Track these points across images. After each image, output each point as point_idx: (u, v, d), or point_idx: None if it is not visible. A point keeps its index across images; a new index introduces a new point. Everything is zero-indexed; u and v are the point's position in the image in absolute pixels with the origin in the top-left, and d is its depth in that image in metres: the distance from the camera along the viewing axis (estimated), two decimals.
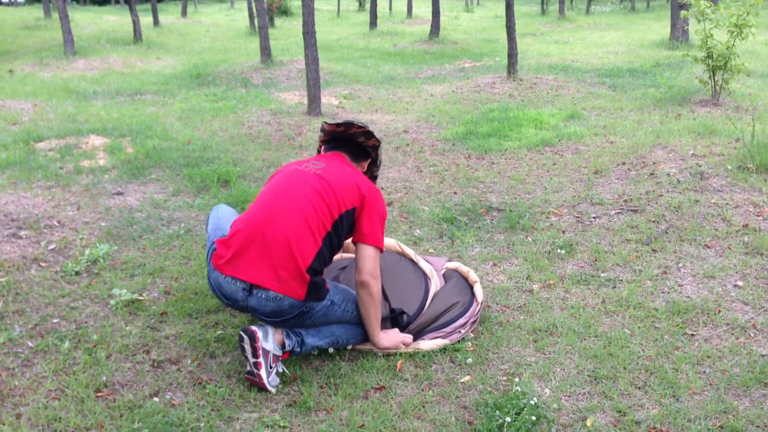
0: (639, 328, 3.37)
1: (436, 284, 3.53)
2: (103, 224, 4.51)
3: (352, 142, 3.28)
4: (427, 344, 3.19)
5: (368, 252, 3.01)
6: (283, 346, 2.96)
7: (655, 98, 8.21)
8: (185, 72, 11.21)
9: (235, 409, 2.77)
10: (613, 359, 3.10)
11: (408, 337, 3.18)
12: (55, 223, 4.43)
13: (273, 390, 2.89)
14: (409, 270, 3.58)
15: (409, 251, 3.75)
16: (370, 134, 3.22)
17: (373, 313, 3.06)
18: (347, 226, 3.03)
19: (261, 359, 2.85)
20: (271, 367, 2.91)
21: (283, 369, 2.99)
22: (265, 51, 11.62)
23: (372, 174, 3.42)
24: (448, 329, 3.26)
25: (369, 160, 3.34)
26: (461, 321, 3.31)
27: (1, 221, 4.30)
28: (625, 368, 3.04)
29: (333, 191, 2.99)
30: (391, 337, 3.15)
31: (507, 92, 9.07)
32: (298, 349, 3.00)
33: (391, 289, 3.39)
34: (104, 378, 2.93)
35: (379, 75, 11.24)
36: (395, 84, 10.23)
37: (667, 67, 10.58)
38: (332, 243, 2.99)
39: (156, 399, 2.81)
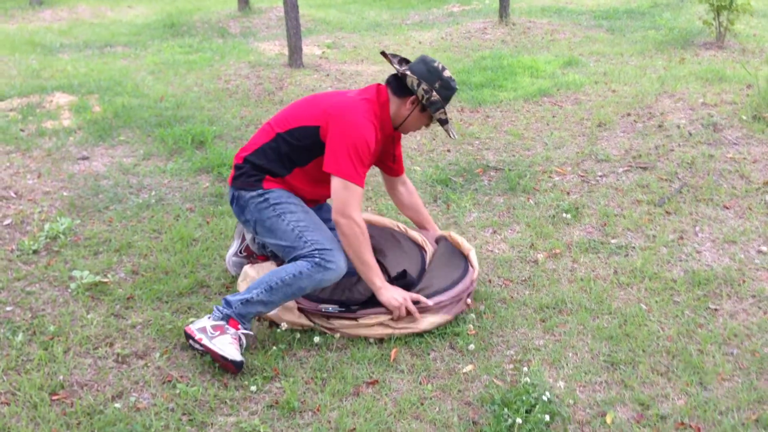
0: (656, 302, 3.05)
1: (430, 252, 3.20)
2: (65, 194, 4.11)
3: (396, 75, 2.94)
4: (425, 323, 2.85)
5: (333, 185, 2.74)
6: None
7: (656, 41, 7.79)
8: (158, 21, 10.63)
9: (209, 413, 2.44)
10: (630, 340, 2.80)
11: (417, 296, 2.85)
12: (12, 195, 4.03)
13: (230, 356, 2.59)
14: (401, 239, 3.24)
15: (398, 224, 3.40)
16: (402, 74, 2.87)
17: (357, 258, 2.76)
18: (306, 140, 2.84)
19: (197, 336, 2.67)
20: (212, 334, 2.65)
21: (245, 331, 2.70)
22: None
23: (434, 118, 2.93)
24: (446, 297, 2.90)
25: (413, 97, 2.88)
26: (460, 287, 2.96)
27: None
28: (644, 351, 2.74)
29: (301, 105, 2.93)
30: (394, 293, 2.81)
31: (499, 38, 8.61)
32: (228, 310, 2.70)
33: (386, 261, 3.06)
34: (61, 377, 2.59)
35: (363, 22, 10.71)
36: (381, 31, 9.72)
37: (666, 7, 10.11)
38: (281, 147, 2.87)
39: (119, 403, 2.47)
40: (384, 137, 2.95)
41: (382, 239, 3.21)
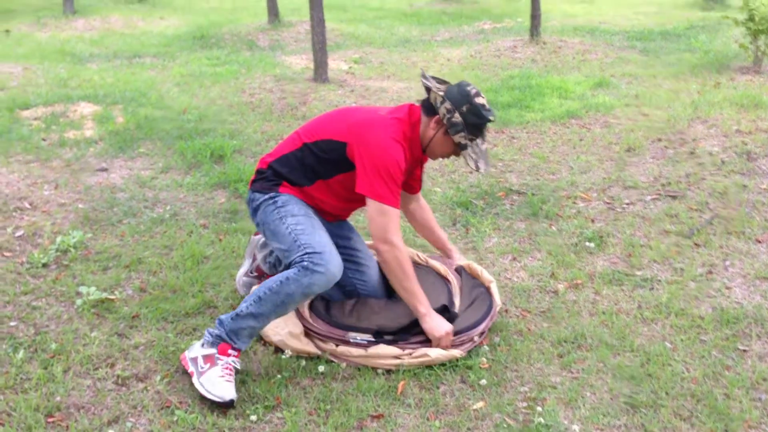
0: (682, 340, 2.90)
1: (454, 284, 3.07)
2: (80, 206, 4.07)
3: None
4: (436, 352, 2.74)
5: (369, 209, 2.67)
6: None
7: (691, 64, 7.61)
8: (188, 33, 10.66)
9: None
10: (652, 381, 2.65)
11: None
12: (27, 206, 4.00)
13: (218, 397, 2.47)
14: (424, 271, 3.12)
15: (418, 253, 3.30)
16: (427, 89, 2.77)
17: (399, 285, 2.72)
18: (333, 154, 2.74)
19: (189, 369, 2.59)
20: (202, 368, 2.54)
21: (232, 366, 2.57)
22: (273, 10, 11.04)
23: (456, 141, 2.73)
24: (465, 336, 2.80)
25: (437, 117, 2.73)
26: (483, 326, 2.85)
27: None
28: (667, 393, 2.59)
29: (331, 118, 2.85)
30: (440, 322, 2.74)
31: (529, 57, 8.48)
32: (219, 330, 2.60)
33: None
34: (58, 398, 2.51)
35: (393, 37, 10.65)
36: (409, 47, 9.65)
37: (702, 29, 9.91)
38: (306, 157, 2.78)
39: (113, 429, 2.38)
40: (413, 159, 2.82)
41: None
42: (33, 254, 3.48)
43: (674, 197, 4.17)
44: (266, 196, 2.78)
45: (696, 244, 3.64)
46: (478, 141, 2.74)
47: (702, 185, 4.24)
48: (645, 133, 5.26)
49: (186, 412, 2.46)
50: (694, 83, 6.76)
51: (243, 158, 4.89)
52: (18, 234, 3.68)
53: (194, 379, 2.54)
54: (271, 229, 2.75)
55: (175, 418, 2.44)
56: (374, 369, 2.72)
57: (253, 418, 2.44)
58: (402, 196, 3.11)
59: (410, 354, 2.72)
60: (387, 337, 2.75)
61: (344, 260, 2.92)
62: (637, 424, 2.44)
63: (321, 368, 2.70)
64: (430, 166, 4.82)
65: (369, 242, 3.33)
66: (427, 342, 2.75)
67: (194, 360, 2.58)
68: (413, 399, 2.56)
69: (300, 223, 2.69)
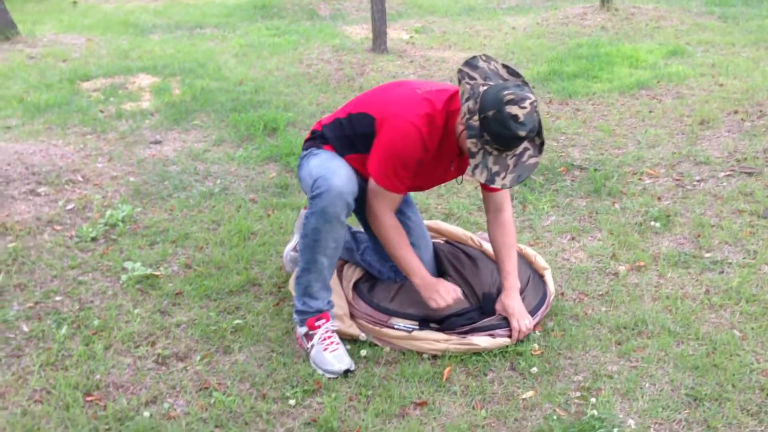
0: (752, 329, 2.69)
1: None
2: (132, 179, 4.05)
3: None
4: (485, 341, 2.60)
5: (369, 184, 2.57)
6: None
7: None
8: (249, 3, 10.61)
9: (243, 427, 2.27)
10: (718, 372, 2.45)
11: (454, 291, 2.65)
12: (79, 178, 4.00)
13: (330, 372, 2.51)
14: (476, 256, 2.96)
15: (471, 236, 3.13)
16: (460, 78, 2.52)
17: (392, 255, 2.64)
18: (364, 128, 2.58)
19: (305, 345, 2.62)
20: (308, 348, 2.58)
21: (330, 331, 2.60)
22: None
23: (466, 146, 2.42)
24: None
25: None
26: (537, 318, 2.72)
27: (22, 175, 3.90)
28: (734, 386, 2.39)
29: (378, 91, 2.66)
30: (440, 289, 2.62)
31: (599, 24, 8.11)
32: (297, 306, 2.63)
33: (467, 281, 2.83)
34: (98, 377, 2.49)
35: (456, 5, 10.37)
36: (474, 15, 9.37)
37: None
38: (346, 127, 2.65)
39: (150, 410, 2.34)
40: (440, 150, 2.54)
41: (454, 258, 2.95)
42: (82, 228, 3.47)
43: (750, 174, 3.88)
44: (308, 152, 2.69)
45: None
46: (509, 154, 2.37)
47: None
48: (720, 105, 4.93)
49: (224, 395, 2.40)
50: None
51: (296, 131, 4.80)
52: (69, 207, 3.69)
53: (311, 358, 2.58)
54: (301, 178, 2.68)
55: (212, 401, 2.38)
56: (419, 354, 2.60)
57: (292, 402, 2.37)
58: (483, 195, 2.82)
59: (457, 340, 2.59)
60: (432, 326, 2.63)
61: None
62: (700, 419, 2.26)
63: (363, 352, 2.60)
64: None
65: (428, 222, 3.21)
66: (476, 331, 2.62)
67: (302, 339, 2.62)
68: (459, 386, 2.44)
69: (320, 159, 2.59)
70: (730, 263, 3.12)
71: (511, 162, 2.39)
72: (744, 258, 3.15)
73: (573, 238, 3.40)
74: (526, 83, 2.44)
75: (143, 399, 2.39)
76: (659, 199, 3.72)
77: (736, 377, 2.43)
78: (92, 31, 8.56)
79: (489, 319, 2.66)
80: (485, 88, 2.36)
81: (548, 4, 10.02)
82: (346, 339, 2.67)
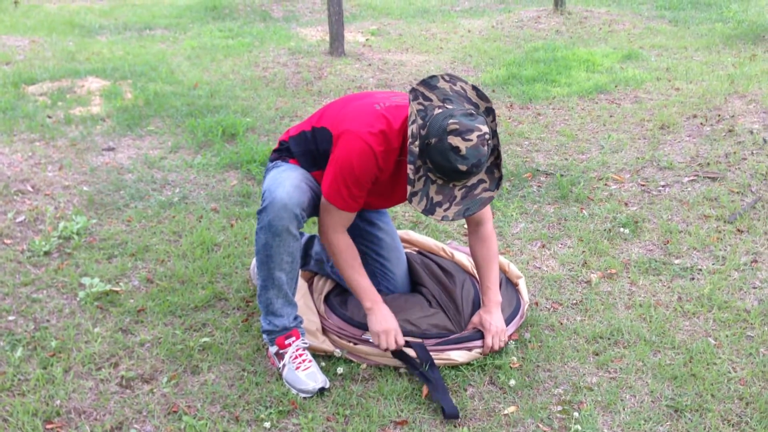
0: (727, 336, 2.68)
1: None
2: (85, 189, 3.87)
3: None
4: (461, 356, 2.54)
5: (321, 202, 2.45)
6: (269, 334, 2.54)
7: (724, 35, 7.27)
8: (200, 3, 10.38)
9: None
10: (697, 382, 2.44)
11: (407, 339, 2.53)
12: (29, 188, 3.81)
13: (304, 392, 2.42)
14: (449, 267, 2.89)
15: (444, 246, 3.06)
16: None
17: (343, 274, 2.52)
18: (325, 145, 2.45)
19: (277, 364, 2.52)
20: (279, 367, 2.49)
21: (301, 349, 2.50)
22: None
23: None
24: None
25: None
26: (510, 328, 2.66)
27: None
28: (713, 396, 2.38)
29: (339, 104, 2.51)
30: (381, 319, 2.49)
31: (554, 28, 8.16)
32: (263, 326, 2.53)
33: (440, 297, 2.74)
34: (58, 402, 2.34)
35: (411, 7, 10.34)
36: (428, 18, 9.35)
37: None
38: (309, 142, 2.51)
39: None
40: (401, 171, 2.42)
41: (428, 270, 2.87)
42: (34, 241, 3.30)
43: (713, 179, 3.92)
44: (272, 165, 2.57)
45: (738, 230, 3.40)
46: (457, 185, 2.25)
47: (743, 166, 3.98)
48: (679, 109, 4.98)
49: (194, 418, 2.28)
50: (728, 55, 6.45)
51: (256, 137, 4.68)
52: (19, 219, 3.50)
53: (283, 376, 2.49)
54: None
55: (182, 425, 2.26)
56: (396, 369, 2.53)
57: (267, 425, 2.26)
58: None
59: (433, 354, 2.52)
60: (408, 339, 2.55)
61: (366, 247, 2.73)
62: (682, 430, 2.24)
63: (339, 369, 2.51)
64: None
65: (398, 231, 3.13)
66: (451, 343, 2.56)
67: (274, 357, 2.53)
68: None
69: (276, 173, 2.47)
70: (700, 270, 3.12)
71: (459, 193, 2.27)
72: (713, 264, 3.16)
73: (543, 246, 3.37)
74: (489, 111, 2.32)
75: (108, 425, 2.26)
76: (626, 204, 3.72)
77: (715, 387, 2.42)
78: (36, 32, 8.24)
79: (464, 332, 2.60)
80: (439, 111, 2.23)
81: (502, 7, 10.06)
82: (320, 355, 2.58)
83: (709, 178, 3.93)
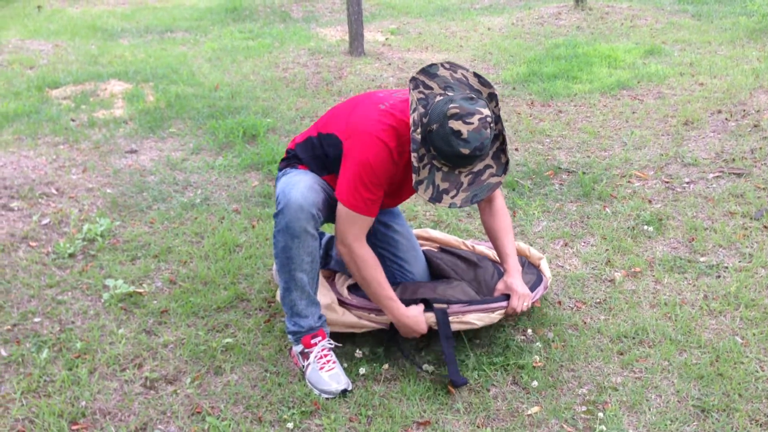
0: (754, 335, 2.64)
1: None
2: (108, 191, 3.91)
3: None
4: (480, 318, 2.52)
5: (338, 208, 2.38)
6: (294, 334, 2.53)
7: (748, 29, 7.17)
8: (221, 6, 10.43)
9: None
10: (724, 381, 2.40)
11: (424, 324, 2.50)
12: (53, 191, 3.85)
13: (326, 393, 2.41)
14: (472, 258, 2.89)
15: (464, 241, 3.06)
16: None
17: (362, 286, 2.47)
18: (334, 150, 2.44)
19: (300, 363, 2.52)
20: (303, 366, 2.48)
21: (327, 349, 2.50)
22: None
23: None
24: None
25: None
26: (535, 295, 2.65)
27: None
28: (740, 395, 2.34)
29: (343, 108, 2.50)
30: (407, 318, 2.47)
31: (574, 24, 8.10)
32: (288, 327, 2.52)
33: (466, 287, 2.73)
34: (83, 403, 2.36)
35: (430, 6, 10.31)
36: (448, 16, 9.31)
37: None
38: (316, 147, 2.50)
39: None
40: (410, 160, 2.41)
41: (452, 264, 2.86)
42: (59, 244, 3.33)
43: (739, 175, 3.86)
44: (282, 173, 2.56)
45: (765, 227, 3.35)
46: (463, 171, 2.26)
47: None
48: (703, 105, 4.92)
49: (218, 419, 2.29)
50: (752, 49, 6.36)
51: (276, 137, 4.69)
52: (44, 222, 3.54)
53: (306, 377, 2.48)
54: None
55: (206, 426, 2.27)
56: (418, 372, 2.52)
57: (290, 425, 2.26)
58: None
59: (455, 319, 2.52)
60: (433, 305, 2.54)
61: (383, 249, 2.72)
62: (709, 430, 2.21)
63: (362, 370, 2.51)
64: None
65: (418, 230, 3.12)
66: (474, 305, 2.54)
67: (298, 357, 2.53)
68: (462, 403, 2.36)
69: (288, 178, 2.45)
70: (726, 267, 3.08)
71: (465, 179, 2.26)
72: (740, 261, 3.11)
73: (566, 244, 3.34)
74: (492, 97, 2.31)
75: (132, 426, 2.27)
76: (650, 202, 3.68)
77: (742, 386, 2.38)
78: (59, 36, 8.33)
79: (487, 299, 2.60)
80: (440, 98, 2.23)
81: (522, 3, 10.00)
82: (342, 356, 2.57)
83: (734, 174, 3.88)
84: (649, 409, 2.31)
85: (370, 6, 9.96)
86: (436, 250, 3.01)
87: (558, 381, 2.45)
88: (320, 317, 2.52)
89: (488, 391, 2.42)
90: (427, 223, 3.57)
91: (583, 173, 4.01)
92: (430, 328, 2.51)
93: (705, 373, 2.44)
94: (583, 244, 3.34)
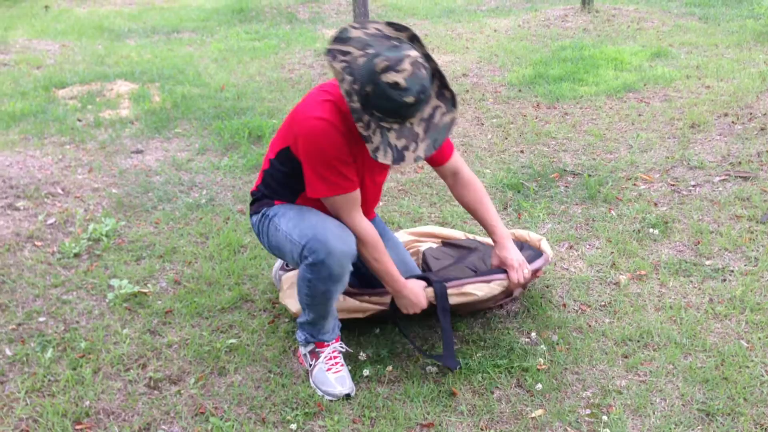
0: (759, 339, 2.63)
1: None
2: (114, 191, 3.92)
3: None
4: (479, 288, 2.54)
5: (324, 202, 2.35)
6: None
7: (755, 32, 7.14)
8: (227, 6, 10.45)
9: None
10: (729, 385, 2.39)
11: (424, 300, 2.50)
12: (59, 191, 3.86)
13: (329, 395, 2.41)
14: (476, 246, 2.92)
15: (467, 235, 3.08)
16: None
17: (367, 260, 2.39)
18: (290, 163, 2.35)
19: (307, 363, 2.52)
20: (310, 365, 2.48)
21: (338, 352, 2.51)
22: None
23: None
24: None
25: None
26: (535, 265, 2.66)
27: None
28: (746, 400, 2.33)
29: (284, 122, 2.39)
30: (411, 285, 2.46)
31: (581, 26, 8.08)
32: (301, 335, 2.51)
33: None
34: (87, 403, 2.37)
35: (436, 7, 10.30)
36: (454, 18, 9.30)
37: None
38: (276, 174, 2.42)
39: None
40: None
41: (454, 252, 2.89)
42: (64, 243, 3.34)
43: (745, 178, 3.85)
44: (260, 215, 2.47)
45: None
46: (413, 122, 2.17)
47: None
48: (709, 108, 4.90)
49: (221, 420, 2.29)
50: (759, 52, 6.33)
51: None
52: (50, 221, 3.55)
53: (311, 377, 2.48)
54: (275, 246, 2.43)
55: (209, 426, 2.27)
56: (423, 369, 2.52)
57: (293, 426, 2.26)
58: (437, 171, 2.64)
59: (454, 291, 2.54)
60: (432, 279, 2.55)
61: None
62: None
63: (366, 372, 2.50)
64: (478, 145, 4.56)
65: (423, 227, 3.17)
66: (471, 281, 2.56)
67: (305, 357, 2.51)
68: (466, 405, 2.35)
69: (290, 219, 2.36)
70: (732, 271, 3.07)
71: (419, 129, 2.18)
72: (745, 265, 3.10)
73: (571, 247, 3.33)
74: (413, 38, 2.22)
75: (136, 426, 2.28)
76: (655, 205, 3.67)
77: (748, 390, 2.37)
78: (66, 36, 8.36)
79: (485, 271, 2.62)
80: (363, 59, 2.13)
81: (528, 6, 9.99)
82: (346, 358, 2.57)
83: (740, 177, 3.87)
84: (654, 413, 2.30)
85: (377, 7, 9.96)
86: (435, 246, 3.03)
87: (562, 384, 2.44)
88: (337, 326, 2.53)
89: (492, 393, 2.41)
90: (432, 224, 3.56)
91: (589, 176, 4.00)
92: (430, 304, 2.51)
93: (710, 377, 2.43)
94: (588, 246, 3.33)
